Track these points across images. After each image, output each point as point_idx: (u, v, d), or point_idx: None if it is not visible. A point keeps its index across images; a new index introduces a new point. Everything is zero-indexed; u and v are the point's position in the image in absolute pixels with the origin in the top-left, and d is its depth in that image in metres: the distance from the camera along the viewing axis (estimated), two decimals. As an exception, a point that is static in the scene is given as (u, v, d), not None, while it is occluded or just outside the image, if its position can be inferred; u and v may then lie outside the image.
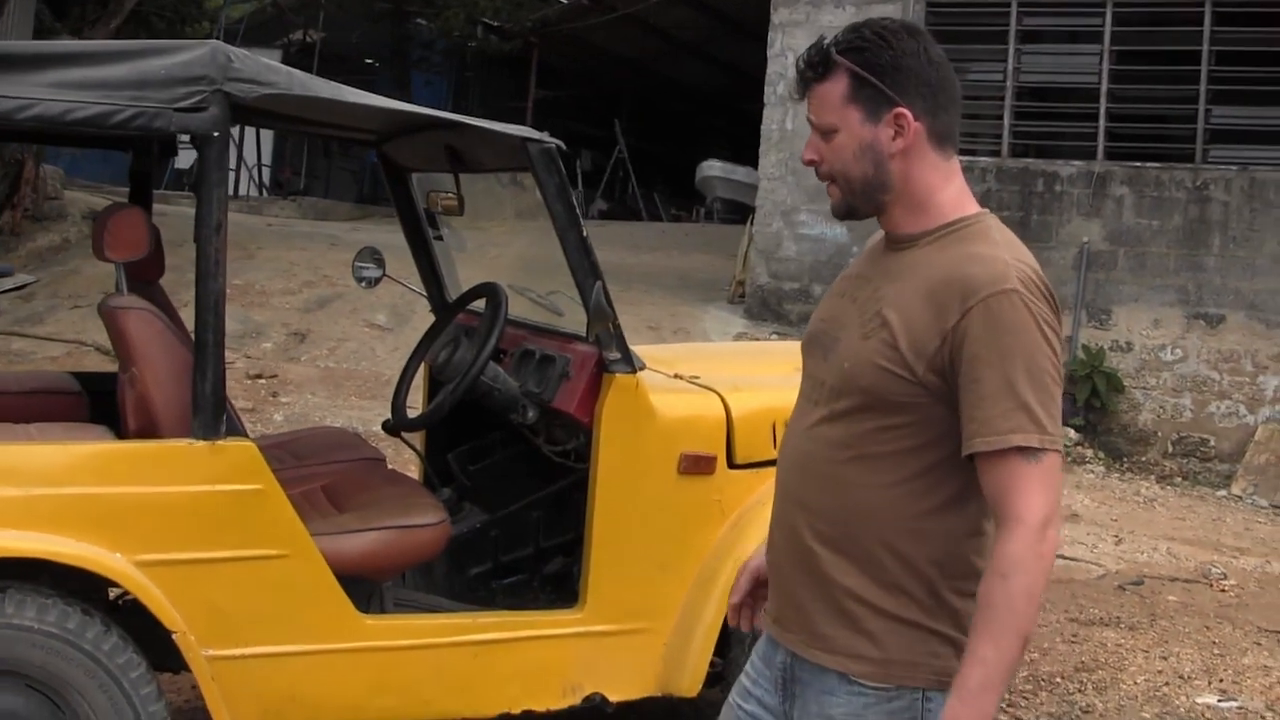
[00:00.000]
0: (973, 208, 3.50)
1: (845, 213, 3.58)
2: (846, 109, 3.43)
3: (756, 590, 3.91)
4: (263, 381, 15.88)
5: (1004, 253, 3.35)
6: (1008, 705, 7.84)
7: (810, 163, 3.55)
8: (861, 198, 3.50)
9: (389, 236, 13.77)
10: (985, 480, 3.25)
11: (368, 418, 13.93)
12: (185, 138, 5.21)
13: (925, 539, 3.38)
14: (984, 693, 3.16)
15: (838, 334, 3.51)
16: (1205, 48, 17.56)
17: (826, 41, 3.49)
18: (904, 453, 3.36)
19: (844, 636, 3.41)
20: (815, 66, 3.48)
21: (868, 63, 3.41)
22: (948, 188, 3.49)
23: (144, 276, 6.05)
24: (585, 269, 5.70)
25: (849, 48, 3.45)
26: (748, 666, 3.75)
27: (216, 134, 4.95)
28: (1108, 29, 18.13)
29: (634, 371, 5.81)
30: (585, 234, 5.72)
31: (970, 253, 3.36)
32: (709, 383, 6.35)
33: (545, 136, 5.77)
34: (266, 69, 5.09)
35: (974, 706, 3.16)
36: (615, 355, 5.76)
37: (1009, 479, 3.21)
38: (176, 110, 4.89)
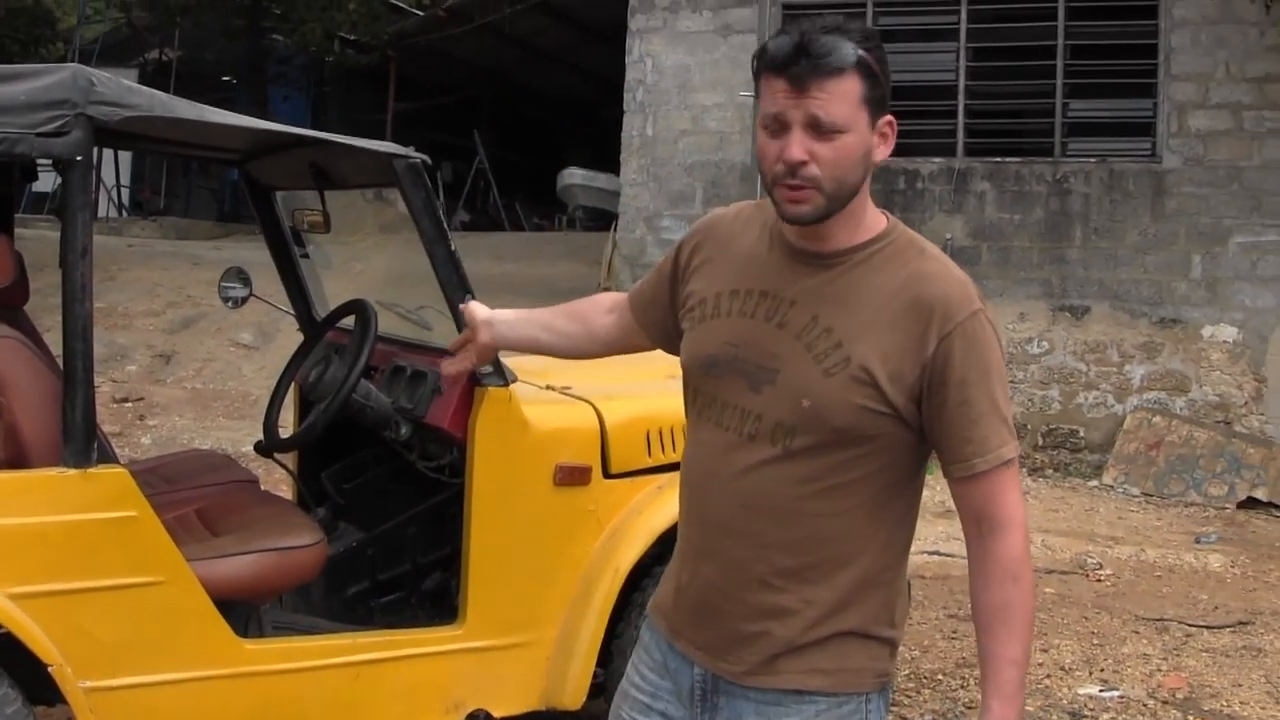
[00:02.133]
0: (882, 217, 3.45)
1: (814, 221, 3.32)
2: (860, 111, 3.23)
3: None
4: (129, 405, 15.73)
5: (951, 269, 3.36)
6: (891, 705, 7.88)
7: (799, 164, 3.23)
8: (841, 204, 3.31)
9: (252, 254, 13.68)
10: (973, 493, 3.30)
11: (237, 438, 13.83)
12: (45, 161, 5.15)
13: (878, 554, 3.39)
14: (1020, 690, 3.25)
15: (770, 364, 3.34)
16: (1060, 42, 17.76)
17: (837, 31, 3.23)
18: (865, 477, 3.32)
19: (801, 659, 3.37)
20: (831, 57, 3.19)
21: (882, 64, 3.27)
22: (868, 198, 3.42)
23: (8, 303, 5.97)
24: (454, 283, 5.68)
25: (868, 45, 3.25)
26: (638, 681, 3.65)
27: (80, 158, 4.89)
28: (963, 26, 18.28)
29: (506, 384, 5.81)
30: (453, 248, 5.71)
31: (920, 271, 3.32)
32: (581, 393, 6.36)
33: (411, 152, 5.75)
34: (128, 91, 5.04)
35: (1015, 704, 3.24)
36: (487, 369, 5.75)
37: (996, 489, 3.28)
38: (38, 135, 4.82)
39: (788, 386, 3.31)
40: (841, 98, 3.20)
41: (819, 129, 3.21)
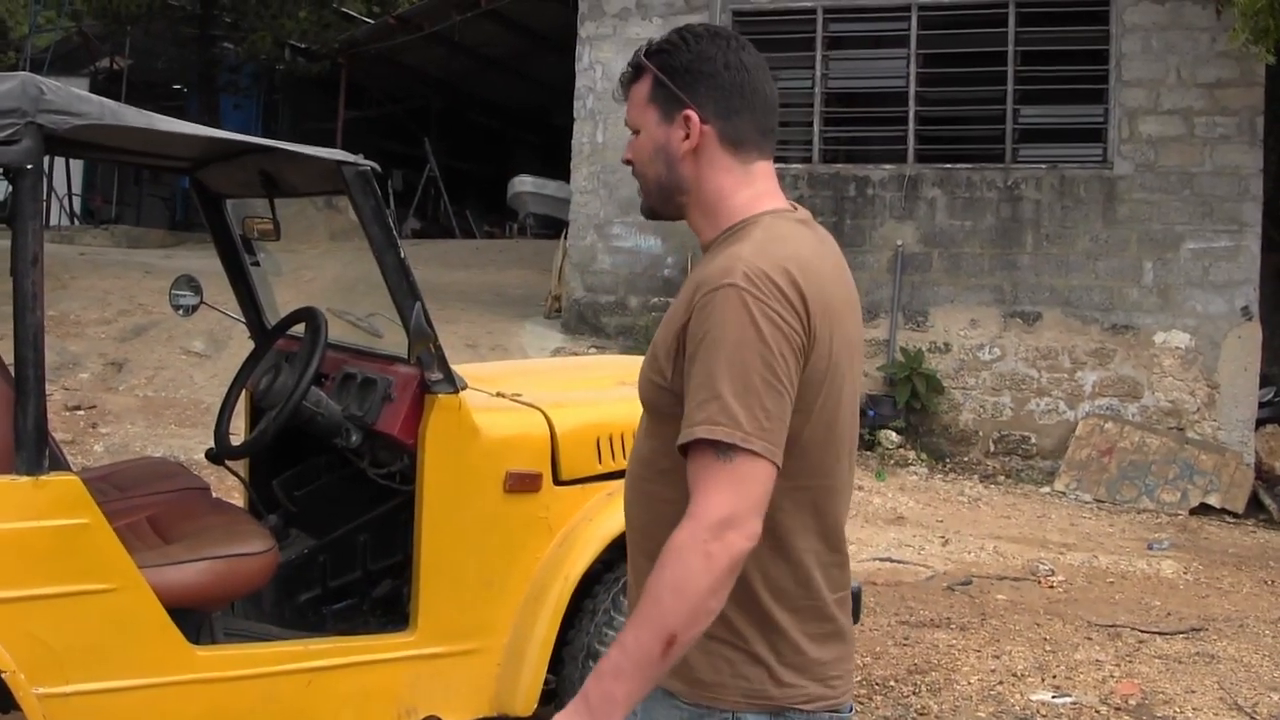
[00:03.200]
0: (761, 208, 3.40)
1: (648, 213, 3.58)
2: (647, 109, 3.43)
3: None
4: (81, 413, 15.67)
5: (747, 249, 3.23)
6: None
7: (627, 162, 3.53)
8: (657, 198, 3.48)
9: (203, 263, 13.63)
10: (687, 477, 3.12)
11: (189, 446, 13.79)
12: (-4, 171, 5.15)
13: None
14: (614, 679, 3.02)
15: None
16: (1010, 48, 17.88)
17: (646, 45, 3.50)
18: (682, 464, 3.18)
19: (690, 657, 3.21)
20: (630, 68, 3.50)
21: (666, 65, 3.40)
22: (742, 192, 3.41)
23: (-42, 313, 5.97)
24: (404, 290, 5.70)
25: (655, 50, 3.46)
26: None
27: (30, 166, 4.89)
28: (914, 33, 18.38)
29: (456, 391, 5.82)
30: (403, 255, 5.73)
31: (720, 254, 3.29)
32: (532, 400, 6.37)
33: (360, 159, 5.76)
34: (78, 99, 5.04)
35: (599, 689, 3.03)
36: (437, 376, 5.77)
37: (697, 473, 3.08)
38: (-12, 144, 4.83)
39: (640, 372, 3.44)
40: (635, 101, 3.47)
41: (632, 131, 3.50)
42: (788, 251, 3.26)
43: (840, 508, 3.40)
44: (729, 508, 3.02)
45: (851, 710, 3.42)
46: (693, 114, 3.37)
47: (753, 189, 3.42)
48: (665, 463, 3.28)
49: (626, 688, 3.02)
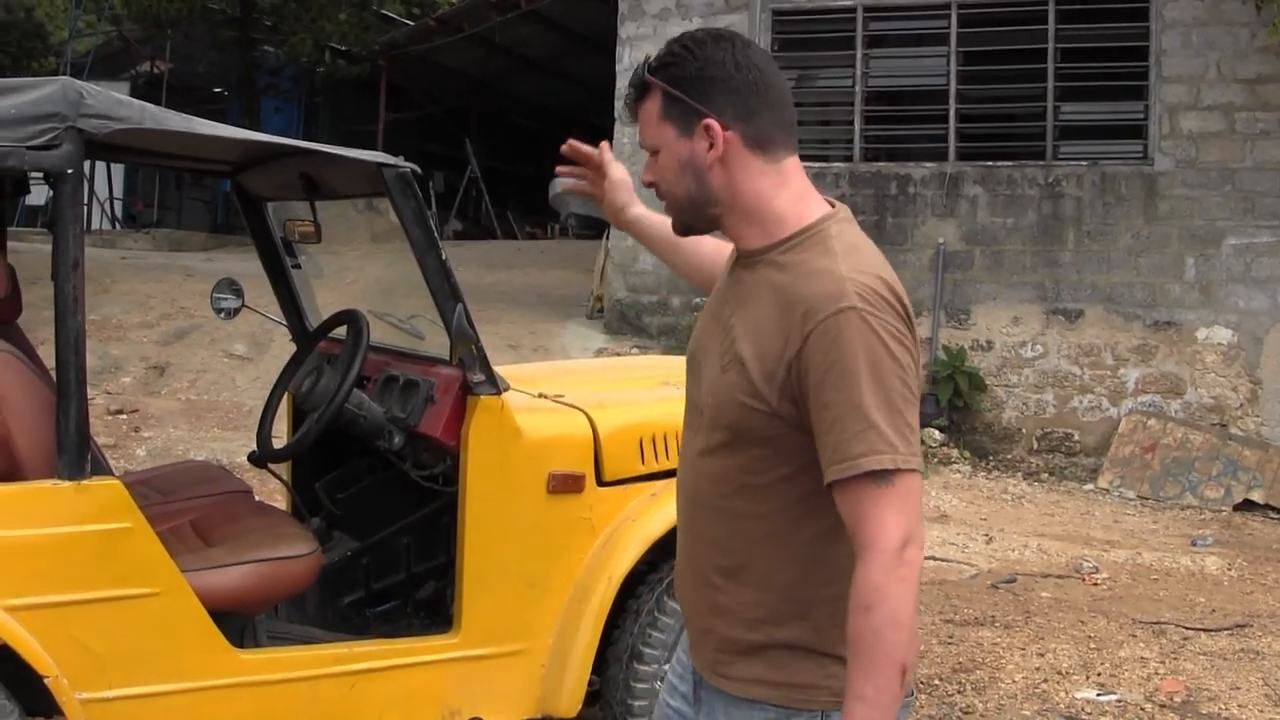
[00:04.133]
0: (815, 213, 3.37)
1: (683, 231, 3.55)
2: (662, 126, 3.39)
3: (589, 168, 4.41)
4: (124, 417, 15.71)
5: (841, 265, 3.21)
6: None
7: (649, 184, 3.50)
8: (690, 214, 3.46)
9: (245, 265, 13.66)
10: (841, 508, 3.13)
11: (231, 449, 13.82)
12: (37, 175, 5.16)
13: (814, 565, 3.31)
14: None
15: (703, 359, 3.47)
16: (1051, 45, 17.78)
17: (647, 61, 3.44)
18: (780, 481, 3.27)
19: (745, 664, 3.36)
20: (635, 87, 3.45)
21: (673, 77, 3.35)
22: (782, 193, 3.38)
23: (1, 317, 5.99)
24: (445, 292, 5.69)
25: (659, 65, 3.40)
26: (674, 663, 3.79)
27: (71, 171, 4.90)
28: (954, 31, 18.31)
29: (498, 393, 5.81)
30: (444, 257, 5.71)
31: (807, 270, 3.25)
32: (574, 401, 6.35)
33: (400, 161, 5.75)
34: (118, 104, 5.05)
35: None
36: (479, 377, 5.75)
37: (862, 505, 3.08)
38: (29, 148, 4.83)
39: (705, 382, 3.43)
40: (647, 121, 3.43)
41: (650, 152, 3.45)
42: (873, 260, 3.27)
43: None
44: (905, 529, 3.06)
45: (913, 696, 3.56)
46: (713, 122, 3.32)
47: (791, 189, 3.38)
48: (751, 480, 3.31)
49: None
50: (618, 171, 4.32)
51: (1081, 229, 17.44)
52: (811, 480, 3.21)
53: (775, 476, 3.27)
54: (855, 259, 3.23)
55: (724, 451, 3.35)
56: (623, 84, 19.48)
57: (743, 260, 3.44)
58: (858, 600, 3.06)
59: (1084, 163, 17.68)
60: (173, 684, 5.19)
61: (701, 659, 3.50)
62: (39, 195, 6.82)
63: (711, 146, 3.33)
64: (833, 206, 3.42)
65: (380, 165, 5.70)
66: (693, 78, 3.33)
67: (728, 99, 3.31)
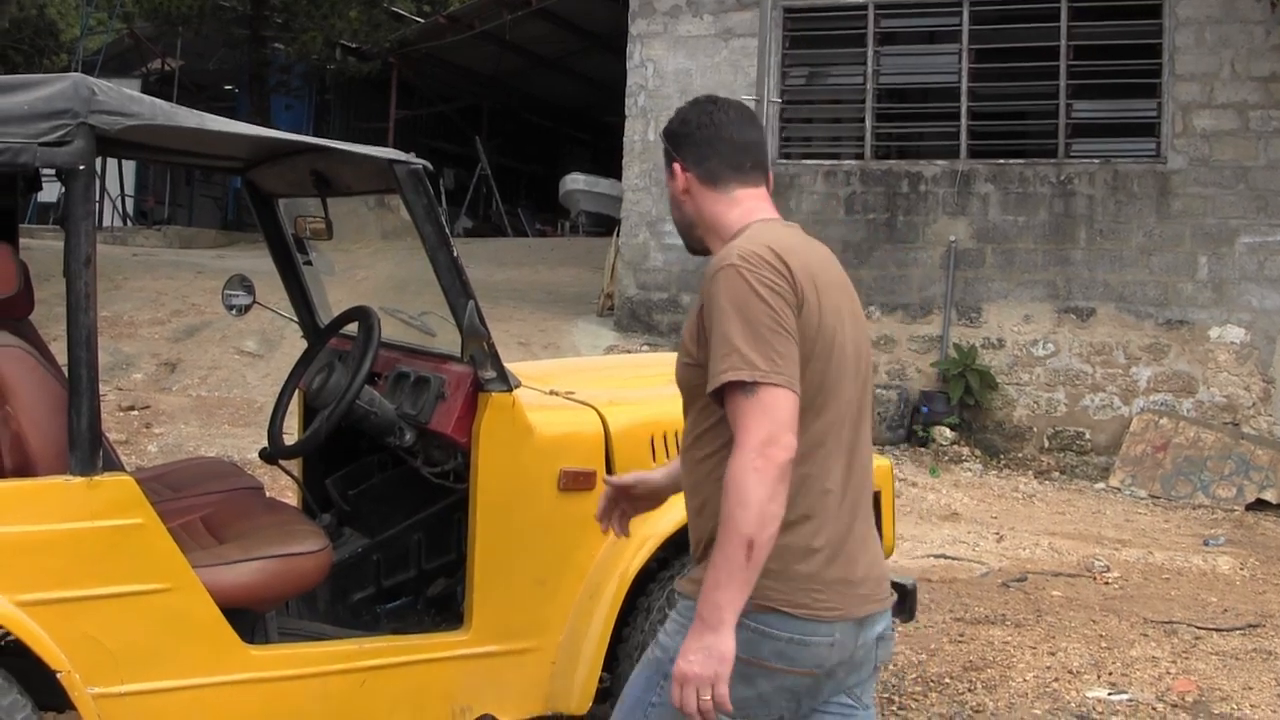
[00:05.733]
0: (752, 220, 4.25)
1: (689, 250, 4.53)
2: (666, 171, 4.42)
3: (615, 502, 4.88)
4: (135, 413, 15.74)
5: (737, 243, 4.08)
6: (898, 708, 7.88)
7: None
8: (684, 235, 4.46)
9: (255, 262, 13.68)
10: (727, 412, 3.91)
11: (242, 445, 13.84)
12: (49, 171, 5.16)
13: (718, 490, 3.91)
14: (714, 590, 3.79)
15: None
16: (1063, 43, 17.81)
17: None
18: (719, 424, 4.02)
19: (694, 569, 4.17)
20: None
21: (666, 134, 4.44)
22: (731, 212, 4.30)
23: (13, 314, 5.97)
24: (457, 289, 5.68)
25: (671, 124, 4.45)
26: None
27: (82, 167, 4.90)
28: (965, 28, 18.33)
29: (510, 390, 5.80)
30: (456, 254, 5.71)
31: (720, 253, 4.10)
32: (585, 398, 6.35)
33: (412, 158, 5.75)
34: (130, 100, 5.05)
35: (708, 600, 3.81)
36: (490, 374, 5.75)
37: (734, 412, 3.87)
38: (41, 145, 4.83)
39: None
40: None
41: None
42: (770, 238, 4.09)
43: (833, 441, 4.11)
44: (764, 431, 3.81)
45: (832, 636, 4.07)
46: (678, 165, 4.35)
47: (740, 208, 4.30)
48: (699, 429, 4.17)
49: (727, 595, 3.79)
50: (641, 487, 4.90)
51: (1093, 227, 17.45)
52: None
53: (714, 420, 4.07)
54: (756, 238, 4.10)
55: (689, 412, 4.24)
56: (634, 81, 19.54)
57: None
58: (724, 486, 3.83)
59: (1096, 161, 17.69)
60: (184, 679, 5.19)
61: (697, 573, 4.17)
62: (50, 192, 6.81)
63: (679, 183, 4.35)
64: (782, 219, 4.33)
65: (392, 162, 5.69)
66: (672, 134, 4.41)
67: (689, 150, 4.35)
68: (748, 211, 4.28)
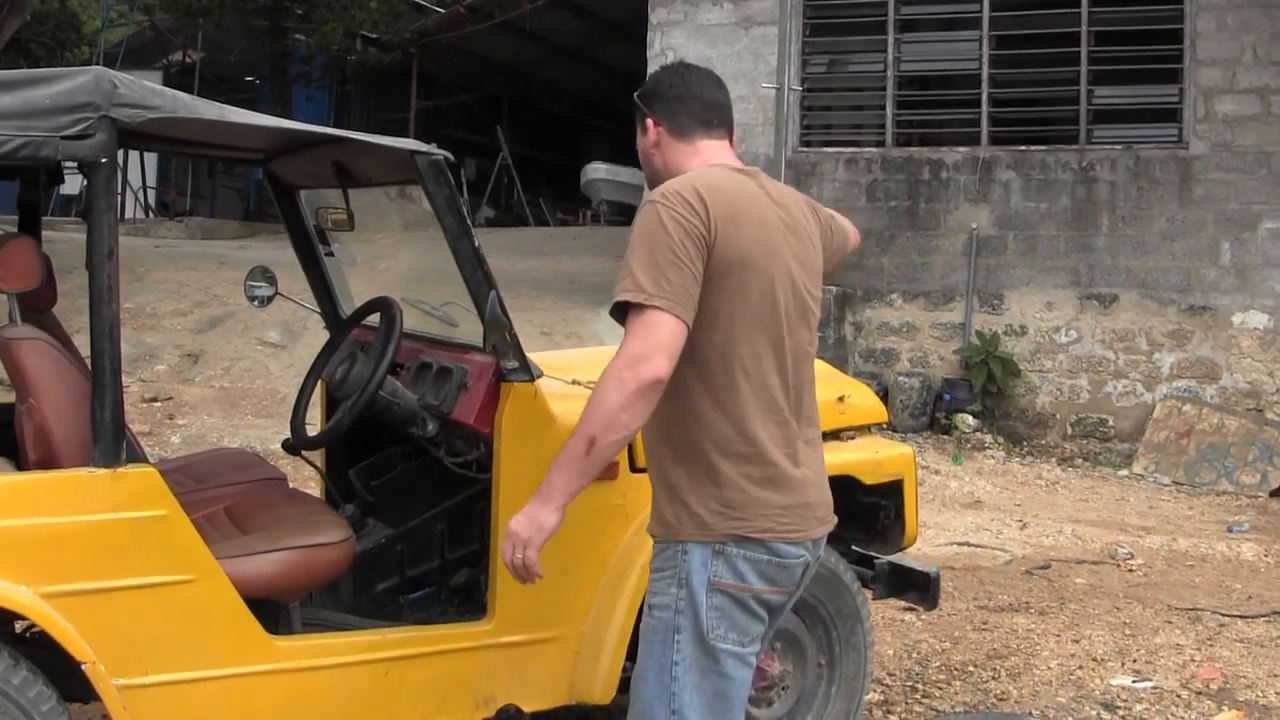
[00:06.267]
0: (706, 165, 4.66)
1: None
2: (638, 129, 4.85)
3: None
4: (158, 404, 15.78)
5: (672, 182, 4.46)
6: (923, 696, 7.88)
7: None
8: (653, 187, 4.60)
9: (277, 253, 13.68)
10: None
11: (265, 436, 13.86)
12: (71, 164, 5.17)
13: (671, 430, 4.50)
14: (554, 471, 4.37)
15: None
16: (1084, 29, 17.78)
17: None
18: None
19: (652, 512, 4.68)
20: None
21: (640, 95, 4.86)
22: (694, 159, 4.71)
23: (36, 306, 5.99)
24: (479, 279, 5.68)
25: (640, 88, 4.90)
26: None
27: (104, 160, 4.91)
28: (986, 14, 18.31)
29: (532, 380, 5.79)
30: (477, 244, 5.70)
31: None
32: (607, 387, 6.34)
33: (433, 149, 5.74)
34: (151, 92, 5.05)
35: (547, 477, 4.40)
36: (513, 364, 5.74)
37: (624, 327, 4.29)
38: (63, 138, 4.83)
39: None
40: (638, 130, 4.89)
41: None
42: (700, 179, 4.47)
43: (771, 372, 4.50)
44: (639, 348, 4.20)
45: (803, 555, 4.58)
46: (650, 120, 4.79)
47: (700, 157, 4.72)
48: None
49: (562, 477, 4.35)
50: None
51: (1115, 213, 17.42)
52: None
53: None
54: (688, 179, 4.48)
55: None
56: (654, 69, 19.47)
57: None
58: (595, 384, 4.28)
59: (1118, 146, 17.67)
60: (208, 670, 5.20)
61: None
62: (72, 184, 6.83)
63: (650, 137, 4.80)
64: (739, 166, 4.73)
65: (413, 153, 5.68)
66: (644, 93, 4.86)
67: (659, 105, 4.79)
68: (706, 159, 4.69)
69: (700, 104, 4.77)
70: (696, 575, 4.44)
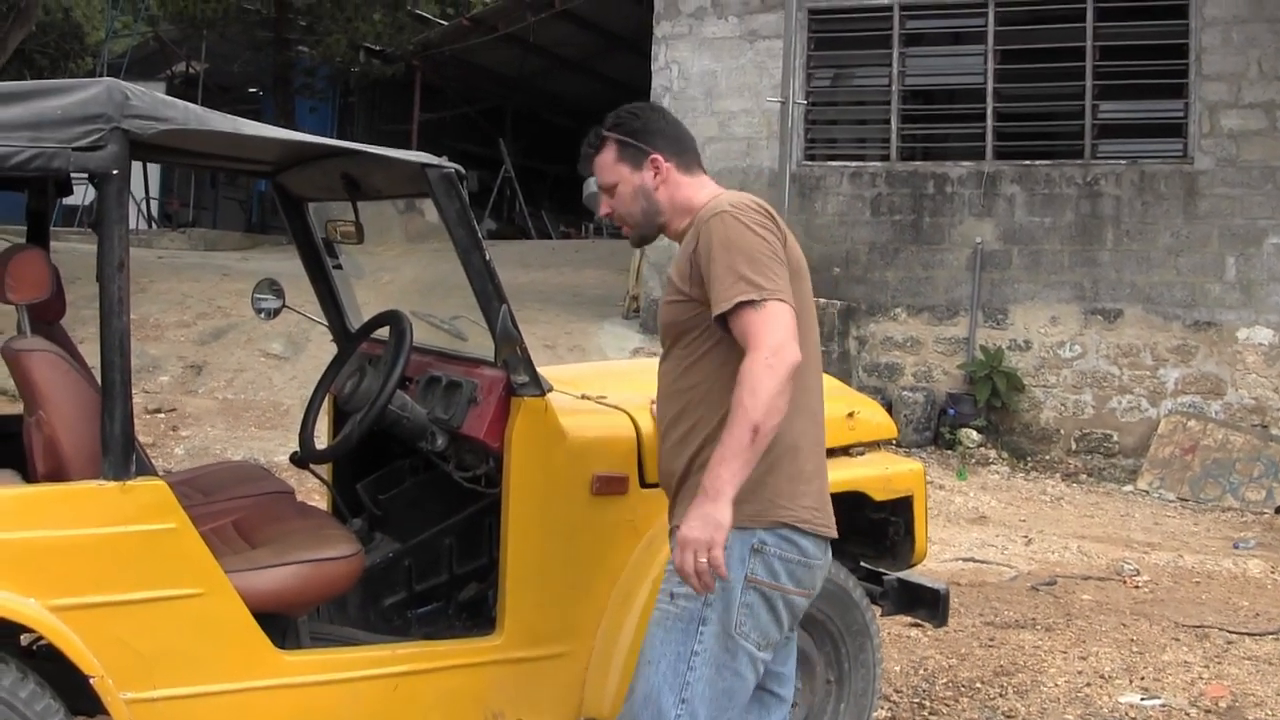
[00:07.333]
0: (708, 199, 4.87)
1: (639, 241, 5.27)
2: (618, 167, 4.99)
3: None
4: (162, 416, 15.78)
5: (725, 196, 4.77)
6: (929, 713, 7.86)
7: (606, 215, 5.09)
8: (645, 226, 5.05)
9: (280, 265, 13.70)
10: (735, 334, 4.51)
11: (269, 448, 13.86)
12: (80, 175, 5.15)
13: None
14: (719, 464, 4.39)
15: (660, 310, 5.05)
16: (1089, 43, 17.80)
17: (602, 124, 5.05)
18: (707, 354, 4.74)
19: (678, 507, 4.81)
20: (592, 144, 5.06)
21: (627, 130, 4.97)
22: (702, 193, 4.97)
23: (45, 317, 5.98)
24: (489, 293, 5.66)
25: (612, 125, 5.02)
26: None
27: (116, 172, 4.89)
28: (990, 29, 18.32)
29: (542, 394, 5.78)
30: (488, 257, 5.69)
31: (703, 212, 4.76)
32: (617, 402, 6.32)
33: (445, 162, 5.73)
34: (163, 104, 5.04)
35: (712, 473, 4.40)
36: (523, 378, 5.72)
37: (746, 325, 4.46)
38: (75, 149, 4.82)
39: (659, 317, 5.08)
40: (604, 167, 5.05)
41: (605, 191, 5.08)
42: (747, 196, 4.76)
43: (816, 374, 4.89)
44: (776, 337, 4.40)
45: (823, 557, 4.82)
46: (659, 157, 4.95)
47: (705, 190, 4.99)
48: (688, 360, 4.82)
49: (730, 469, 4.37)
50: None
51: (1120, 228, 17.43)
52: (727, 349, 4.62)
53: (702, 351, 4.75)
54: (736, 196, 4.77)
55: (673, 351, 4.89)
56: (659, 83, 19.55)
57: (679, 239, 5.00)
58: (738, 380, 4.40)
59: (1123, 161, 17.68)
60: (216, 684, 5.18)
61: (675, 517, 4.83)
62: (75, 195, 6.82)
63: (657, 173, 4.96)
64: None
65: (425, 166, 5.67)
66: (641, 129, 4.99)
67: (664, 142, 4.99)
68: (712, 192, 4.96)
69: (690, 140, 5.12)
70: (734, 570, 4.57)
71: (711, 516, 4.37)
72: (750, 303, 4.45)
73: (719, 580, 4.47)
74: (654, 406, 5.32)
